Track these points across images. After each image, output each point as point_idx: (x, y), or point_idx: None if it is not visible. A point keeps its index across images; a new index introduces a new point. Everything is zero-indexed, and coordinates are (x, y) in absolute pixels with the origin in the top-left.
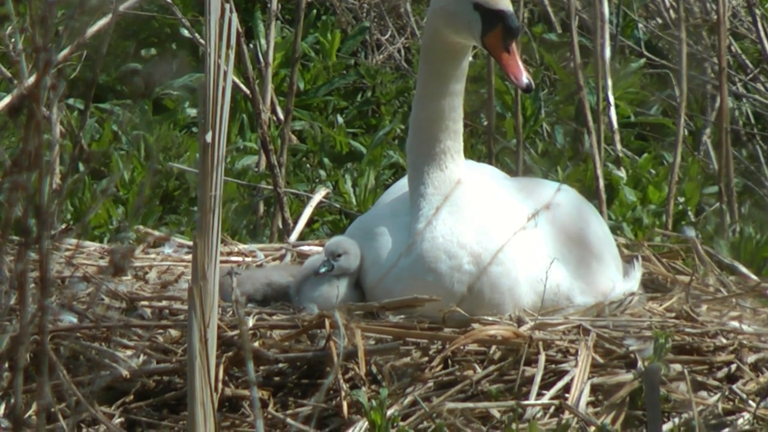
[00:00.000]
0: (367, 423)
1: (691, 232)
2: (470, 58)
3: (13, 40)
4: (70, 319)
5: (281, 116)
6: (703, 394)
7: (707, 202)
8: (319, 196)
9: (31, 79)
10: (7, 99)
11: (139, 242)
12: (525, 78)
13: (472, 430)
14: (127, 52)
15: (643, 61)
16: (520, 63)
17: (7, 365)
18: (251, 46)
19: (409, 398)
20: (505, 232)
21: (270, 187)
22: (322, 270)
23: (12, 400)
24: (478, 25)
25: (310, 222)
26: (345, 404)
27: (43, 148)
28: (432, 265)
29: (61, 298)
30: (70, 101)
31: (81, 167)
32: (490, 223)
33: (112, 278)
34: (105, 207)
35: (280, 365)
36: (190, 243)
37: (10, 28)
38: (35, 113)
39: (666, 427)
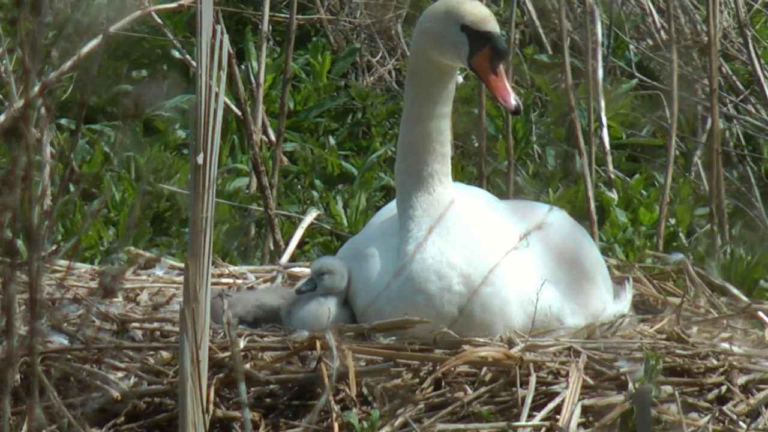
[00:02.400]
0: None
1: (678, 256)
2: (461, 80)
3: (4, 61)
4: (61, 340)
5: (272, 137)
6: (694, 415)
7: (698, 223)
8: (310, 217)
9: (21, 101)
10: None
11: (130, 263)
12: (513, 100)
13: None
14: (118, 74)
15: (634, 82)
16: (508, 85)
17: None
18: (242, 67)
19: (400, 420)
20: (495, 252)
21: (261, 208)
22: (304, 288)
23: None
24: (466, 46)
25: (302, 244)
26: (336, 426)
27: (34, 169)
28: (422, 286)
29: (52, 320)
30: (62, 122)
31: (72, 188)
32: (480, 243)
33: (102, 300)
34: (96, 228)
35: (271, 387)
36: (182, 264)
37: (0, 49)
38: (24, 134)
39: None
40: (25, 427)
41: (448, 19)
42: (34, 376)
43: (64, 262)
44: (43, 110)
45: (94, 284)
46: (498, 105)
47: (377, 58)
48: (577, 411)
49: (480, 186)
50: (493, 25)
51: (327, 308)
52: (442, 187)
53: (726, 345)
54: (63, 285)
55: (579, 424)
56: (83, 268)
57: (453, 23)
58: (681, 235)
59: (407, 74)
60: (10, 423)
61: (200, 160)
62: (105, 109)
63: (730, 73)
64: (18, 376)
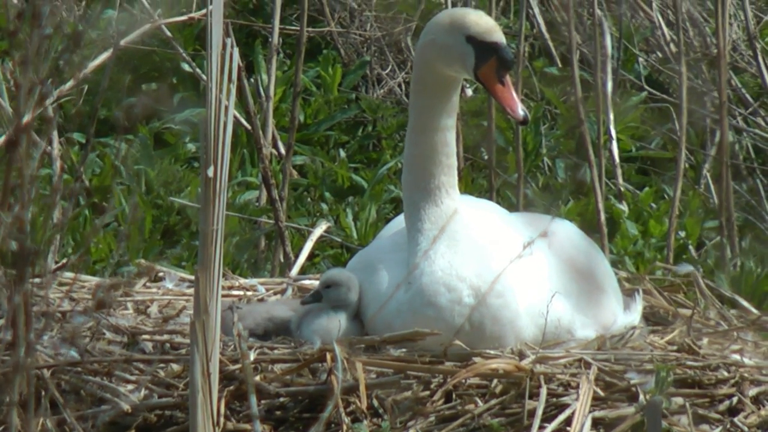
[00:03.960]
0: None
1: (687, 268)
2: (470, 93)
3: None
4: (71, 353)
5: (282, 151)
6: (705, 427)
7: (708, 236)
8: (320, 230)
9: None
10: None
11: (139, 276)
12: (521, 110)
13: None
14: (128, 87)
15: (643, 94)
16: (515, 95)
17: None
18: (252, 80)
19: None
20: (505, 264)
21: (271, 221)
22: (308, 299)
23: None
24: (471, 57)
25: (312, 256)
26: None
27: (44, 182)
28: (432, 299)
29: (61, 333)
30: (72, 135)
31: (82, 202)
32: (489, 255)
33: (101, 313)
34: (106, 241)
35: (282, 399)
36: (192, 277)
37: (11, 62)
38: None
39: None
40: None
41: (453, 30)
42: (29, 391)
43: (71, 275)
44: (54, 124)
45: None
46: (507, 116)
47: (387, 71)
48: (588, 423)
49: (490, 198)
50: (499, 36)
51: (337, 321)
52: (450, 199)
53: (737, 357)
54: (71, 297)
55: None
56: (93, 280)
57: (458, 34)
58: (691, 247)
59: (411, 86)
60: None
61: (210, 173)
62: (115, 122)
63: (740, 85)
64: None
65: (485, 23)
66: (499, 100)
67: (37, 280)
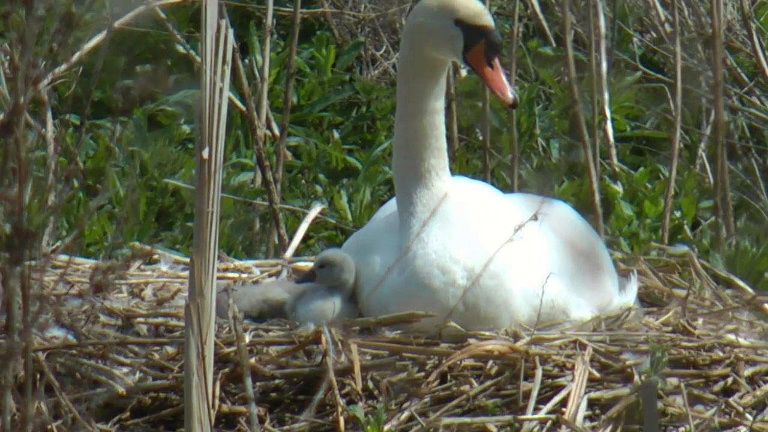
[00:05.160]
0: None
1: (682, 248)
2: (465, 73)
3: (8, 57)
4: (66, 336)
5: (277, 132)
6: (700, 407)
7: (703, 215)
8: (315, 211)
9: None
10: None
11: (134, 258)
12: (510, 93)
13: None
14: (122, 68)
15: (638, 74)
16: (504, 78)
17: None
18: (246, 61)
19: (406, 413)
20: (498, 245)
21: (266, 203)
22: (301, 278)
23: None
24: (460, 40)
25: (306, 238)
26: (341, 420)
27: (38, 164)
28: (426, 281)
29: (56, 315)
30: (67, 117)
31: (76, 184)
32: (483, 237)
33: (97, 295)
34: (100, 223)
35: (277, 381)
36: (187, 259)
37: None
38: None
39: None
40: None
41: (442, 13)
42: (28, 374)
43: (66, 258)
44: (48, 105)
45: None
46: (495, 98)
47: (381, 52)
48: (584, 404)
49: (484, 179)
50: (488, 19)
51: (332, 303)
52: (441, 182)
53: (732, 336)
54: (66, 280)
55: (585, 417)
56: (88, 263)
57: (447, 17)
58: (686, 227)
59: (399, 70)
60: (13, 419)
61: (205, 154)
62: (109, 104)
63: (735, 65)
64: (22, 373)
65: (474, 6)
66: (489, 84)
67: (32, 262)
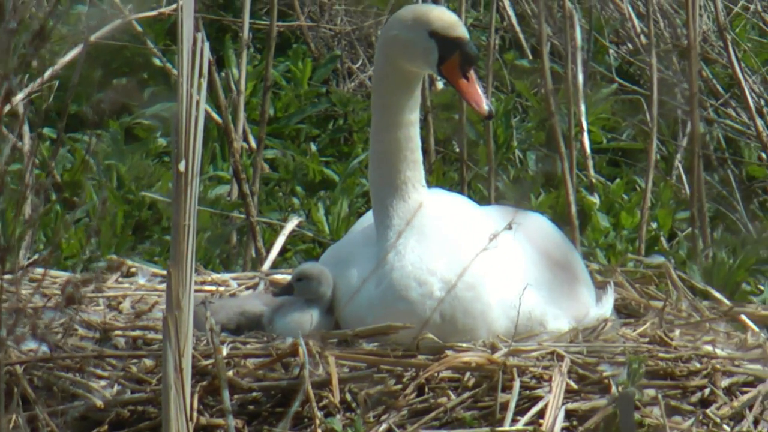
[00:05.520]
0: None
1: (659, 259)
2: (441, 85)
3: None
4: (43, 348)
5: (254, 145)
6: (677, 418)
7: (680, 227)
8: (292, 224)
9: None
10: None
11: (109, 270)
12: (486, 104)
13: None
14: (98, 82)
15: (614, 86)
16: (479, 89)
17: None
18: (223, 74)
19: (384, 426)
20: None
21: (243, 215)
22: (279, 291)
23: None
24: (435, 53)
25: (284, 251)
26: None
27: (15, 177)
28: (403, 293)
29: (32, 328)
30: (44, 131)
31: (53, 197)
32: (460, 248)
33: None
34: (77, 237)
35: (254, 394)
36: (164, 272)
37: None
38: None
39: None
40: None
41: (416, 25)
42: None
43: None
44: (24, 119)
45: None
46: (471, 110)
47: (358, 65)
48: (561, 415)
49: (461, 191)
50: (462, 31)
51: (310, 315)
52: (417, 194)
53: (709, 348)
54: (43, 293)
55: (563, 428)
56: (65, 276)
57: (421, 30)
58: (662, 239)
59: (373, 83)
60: None
61: (182, 167)
62: (86, 117)
63: (711, 76)
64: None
65: (448, 18)
66: (464, 96)
67: (8, 276)
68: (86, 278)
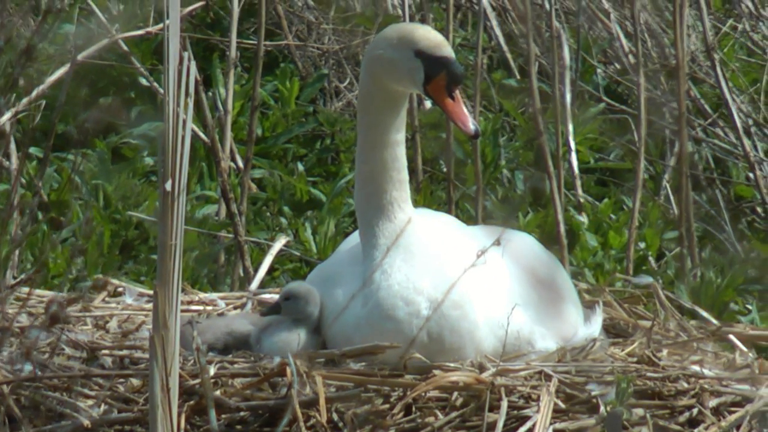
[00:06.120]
0: None
1: (647, 279)
2: (429, 105)
3: None
4: (29, 368)
5: (241, 164)
6: None
7: (668, 246)
8: (279, 244)
9: None
10: None
11: (94, 290)
12: (471, 124)
13: None
14: (85, 101)
15: (602, 106)
16: (465, 109)
17: None
18: (210, 94)
19: None
20: (461, 275)
21: (230, 235)
22: (266, 310)
23: None
24: (421, 72)
25: (271, 270)
26: None
27: (1, 198)
28: (390, 312)
29: (20, 348)
30: (30, 150)
31: (40, 216)
32: (446, 267)
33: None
34: (64, 256)
35: (242, 413)
36: (151, 292)
37: None
38: None
39: None
40: None
41: (401, 45)
42: None
43: (37, 291)
44: (10, 138)
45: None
46: (457, 129)
47: (345, 84)
48: None
49: (449, 211)
50: (448, 50)
51: (297, 335)
52: (403, 214)
53: (697, 368)
54: (30, 312)
55: None
56: (60, 297)
57: (407, 49)
58: (650, 258)
59: (359, 103)
60: None
61: (169, 187)
62: (69, 137)
63: (698, 96)
64: None
65: (434, 37)
66: (450, 115)
67: None
68: (70, 298)
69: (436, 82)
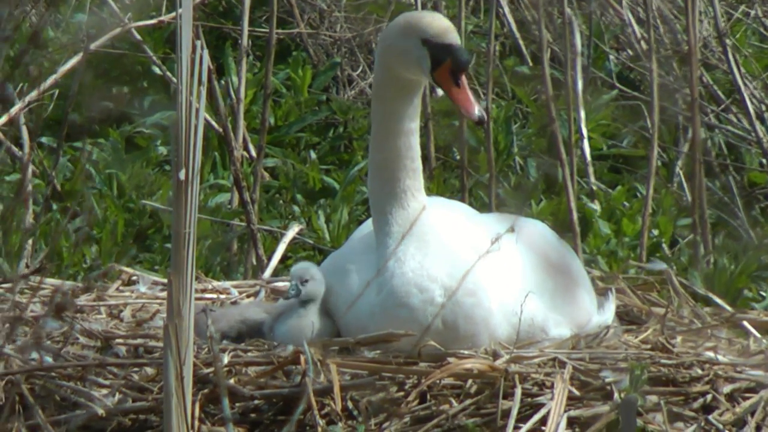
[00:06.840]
0: None
1: (660, 266)
2: (441, 92)
3: None
4: (44, 358)
5: (253, 153)
6: (680, 425)
7: (681, 233)
8: (292, 232)
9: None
10: None
11: (103, 277)
12: (477, 111)
13: None
14: (98, 91)
15: (615, 92)
16: (471, 96)
17: None
18: (222, 82)
19: None
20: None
21: (243, 224)
22: (291, 293)
23: None
24: (427, 60)
25: (284, 258)
26: None
27: (14, 187)
28: (404, 300)
29: (34, 337)
30: (43, 140)
31: (54, 207)
32: (460, 255)
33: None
34: (77, 245)
35: (256, 402)
36: (165, 280)
37: None
38: None
39: None
40: None
41: (408, 33)
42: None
43: (49, 281)
44: (24, 128)
45: (81, 301)
46: (462, 116)
47: (358, 72)
48: (563, 422)
49: (462, 199)
50: (453, 37)
51: (310, 321)
52: (416, 202)
53: (711, 354)
54: (43, 302)
55: None
56: (66, 285)
57: (414, 38)
58: (664, 245)
59: (373, 92)
60: None
61: (182, 176)
62: (86, 126)
63: (711, 82)
64: (2, 395)
65: (439, 25)
66: (455, 102)
67: (5, 285)
68: (78, 287)
69: (441, 70)
